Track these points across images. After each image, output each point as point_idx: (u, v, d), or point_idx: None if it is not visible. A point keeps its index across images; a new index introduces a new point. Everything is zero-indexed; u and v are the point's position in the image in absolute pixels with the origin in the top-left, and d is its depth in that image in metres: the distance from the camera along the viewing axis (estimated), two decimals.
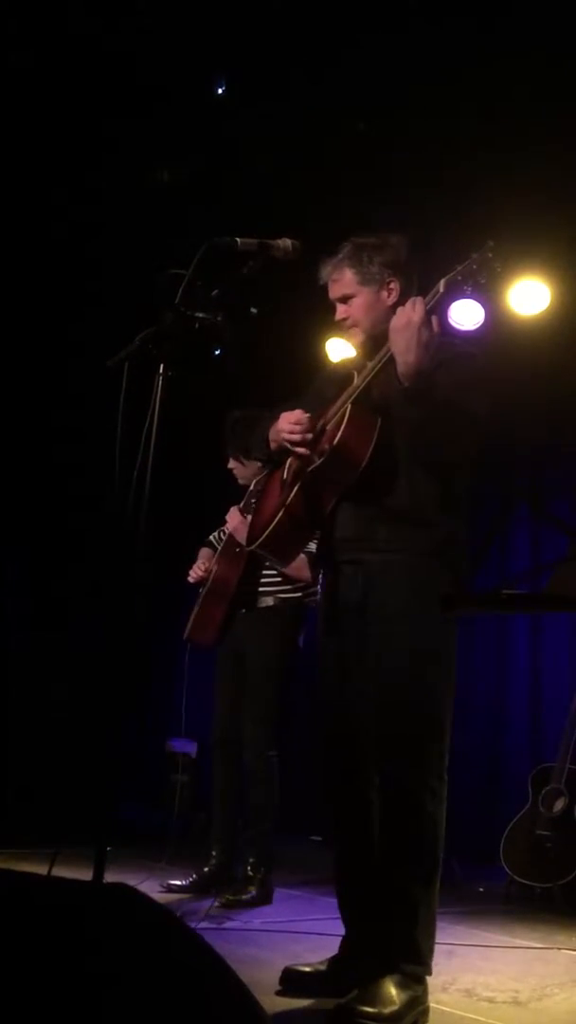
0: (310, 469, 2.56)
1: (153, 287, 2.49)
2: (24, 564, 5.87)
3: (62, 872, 1.92)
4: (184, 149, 4.85)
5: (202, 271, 2.38)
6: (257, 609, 4.05)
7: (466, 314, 5.20)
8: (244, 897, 3.76)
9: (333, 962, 2.56)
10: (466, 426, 2.51)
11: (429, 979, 2.59)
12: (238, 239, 2.47)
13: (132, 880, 3.41)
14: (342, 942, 2.62)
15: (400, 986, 2.32)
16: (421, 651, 2.48)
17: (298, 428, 2.60)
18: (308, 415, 2.63)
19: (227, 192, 4.85)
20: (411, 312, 2.41)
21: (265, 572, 4.06)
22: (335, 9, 4.03)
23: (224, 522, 4.37)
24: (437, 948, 3.00)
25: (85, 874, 1.97)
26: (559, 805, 4.15)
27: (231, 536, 4.11)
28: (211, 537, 4.43)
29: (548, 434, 5.28)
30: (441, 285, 2.43)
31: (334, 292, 2.71)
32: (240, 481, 4.29)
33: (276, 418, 2.69)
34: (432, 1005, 2.43)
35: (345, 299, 2.69)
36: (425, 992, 2.39)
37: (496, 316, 5.13)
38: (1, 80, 4.36)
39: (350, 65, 4.26)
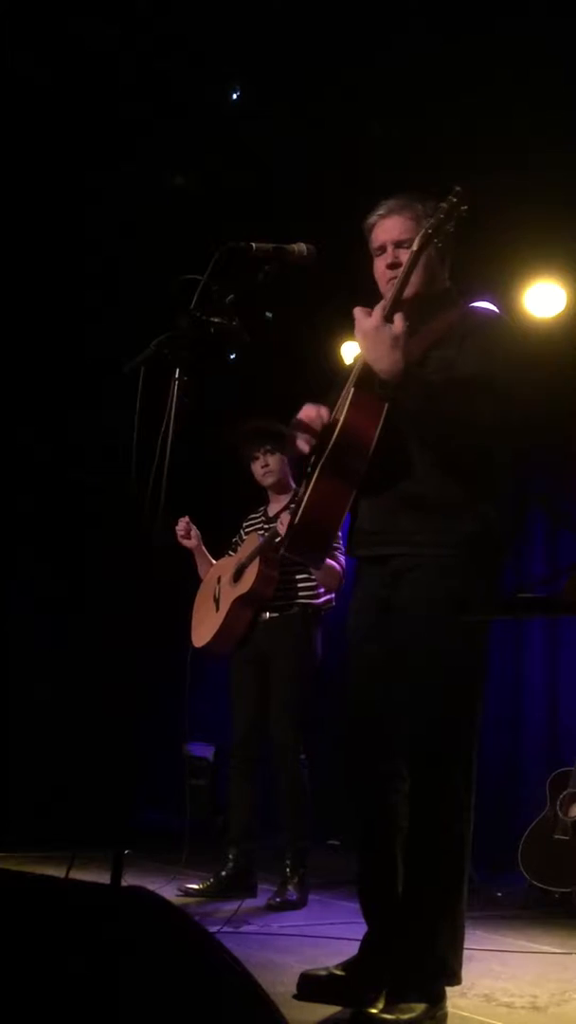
0: (321, 462, 2.43)
1: (168, 292, 2.49)
2: (31, 563, 5.91)
3: (79, 876, 1.92)
4: (199, 154, 4.87)
5: (217, 276, 2.38)
6: (281, 614, 4.05)
7: None
8: (290, 899, 3.79)
9: (350, 966, 2.53)
10: (482, 404, 2.34)
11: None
12: (253, 244, 2.46)
13: (149, 884, 3.42)
14: (363, 941, 2.57)
15: (420, 997, 2.29)
16: (448, 654, 2.37)
17: (304, 433, 2.52)
18: (320, 408, 2.55)
19: (242, 197, 4.86)
20: (364, 320, 2.33)
21: (292, 578, 4.06)
22: (346, 12, 4.04)
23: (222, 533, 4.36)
24: None
25: (102, 877, 1.98)
26: None
27: (271, 538, 3.97)
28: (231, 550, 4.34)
29: (565, 436, 5.26)
30: (415, 243, 2.36)
31: (393, 232, 2.53)
32: (271, 480, 4.23)
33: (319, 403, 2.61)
34: (450, 1010, 2.42)
35: (400, 244, 2.52)
36: (444, 997, 2.38)
37: (512, 318, 5.12)
38: (14, 89, 4.39)
39: (364, 67, 4.27)
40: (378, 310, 2.35)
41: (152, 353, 2.38)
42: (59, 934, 1.54)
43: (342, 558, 3.88)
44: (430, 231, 2.33)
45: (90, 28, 4.13)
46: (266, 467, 4.23)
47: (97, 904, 1.63)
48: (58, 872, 2.16)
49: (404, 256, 2.46)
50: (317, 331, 5.53)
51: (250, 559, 4.04)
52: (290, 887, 3.84)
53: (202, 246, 2.44)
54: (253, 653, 4.09)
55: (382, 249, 2.57)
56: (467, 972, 2.54)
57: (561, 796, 4.20)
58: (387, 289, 2.53)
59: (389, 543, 2.45)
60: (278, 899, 3.78)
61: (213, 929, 3.01)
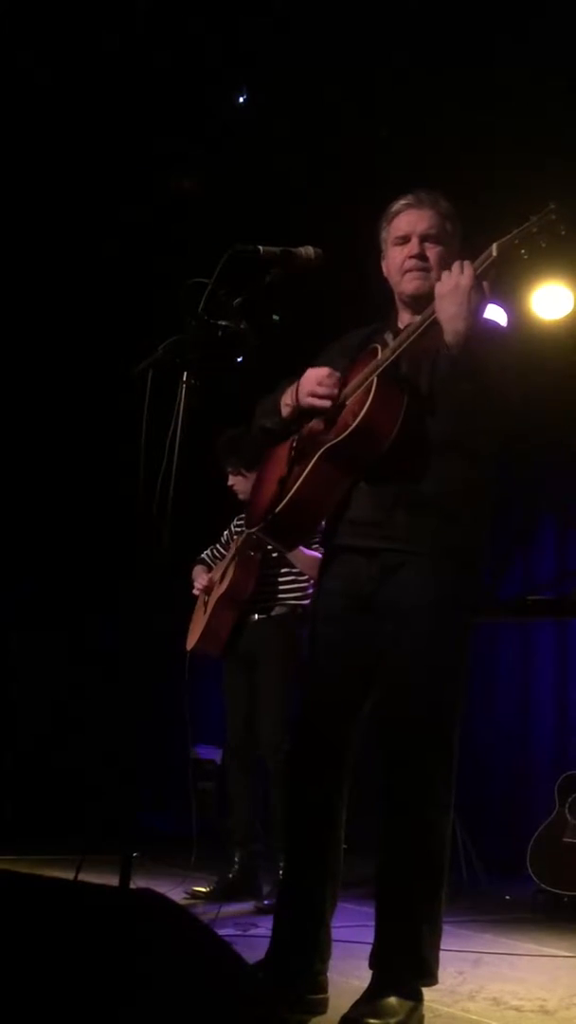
0: (329, 445, 2.38)
1: (175, 296, 2.49)
2: (34, 567, 5.92)
3: (88, 878, 1.92)
4: (204, 157, 4.88)
5: (224, 279, 2.38)
6: (268, 616, 4.05)
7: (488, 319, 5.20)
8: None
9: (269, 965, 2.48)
10: (507, 407, 2.38)
11: (457, 988, 2.57)
12: (260, 247, 2.45)
13: (158, 886, 3.40)
14: (279, 941, 2.51)
15: (403, 996, 2.24)
16: (435, 655, 2.33)
17: (328, 382, 2.47)
18: (336, 374, 2.48)
19: (247, 199, 4.86)
20: (459, 276, 2.25)
21: (280, 579, 4.06)
22: (352, 15, 4.04)
23: (217, 539, 4.37)
24: (464, 956, 2.99)
25: (111, 880, 1.98)
26: None
27: (246, 539, 4.01)
28: (204, 554, 4.41)
29: (574, 438, 5.25)
30: (494, 249, 2.27)
31: (422, 224, 2.47)
32: (241, 496, 4.22)
33: (293, 381, 2.55)
34: (459, 1013, 2.42)
35: (427, 238, 2.47)
36: (423, 998, 2.31)
37: (519, 320, 5.11)
38: (18, 92, 4.40)
39: (372, 69, 4.27)
40: (470, 268, 2.27)
41: (160, 356, 2.38)
42: (69, 936, 1.54)
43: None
44: (517, 241, 2.24)
45: (95, 31, 4.15)
46: (233, 487, 4.26)
47: (107, 906, 1.63)
48: (67, 875, 2.16)
49: (431, 251, 2.45)
50: (324, 334, 5.53)
51: (231, 559, 4.10)
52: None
53: (208, 250, 2.44)
54: (242, 655, 4.10)
55: (405, 239, 2.50)
56: (476, 976, 2.53)
57: (570, 799, 4.19)
58: (402, 281, 2.50)
59: (383, 537, 2.40)
60: (266, 902, 3.73)
61: (221, 931, 3.01)
